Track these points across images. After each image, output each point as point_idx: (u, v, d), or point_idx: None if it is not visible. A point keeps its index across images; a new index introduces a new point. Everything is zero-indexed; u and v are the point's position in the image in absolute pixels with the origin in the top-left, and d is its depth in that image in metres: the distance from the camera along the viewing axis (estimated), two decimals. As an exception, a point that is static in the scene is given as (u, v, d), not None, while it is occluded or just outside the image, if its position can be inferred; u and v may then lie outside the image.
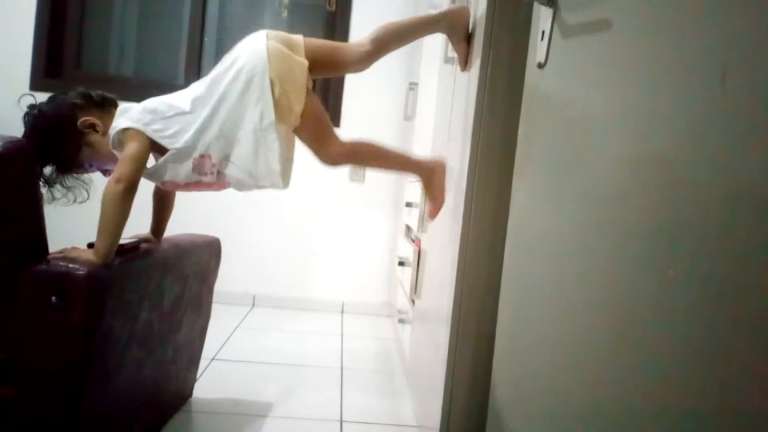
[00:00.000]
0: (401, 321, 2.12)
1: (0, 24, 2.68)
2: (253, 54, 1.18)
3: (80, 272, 0.95)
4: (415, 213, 1.94)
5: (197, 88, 1.24)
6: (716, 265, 0.45)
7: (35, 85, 2.69)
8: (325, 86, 2.91)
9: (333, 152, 1.24)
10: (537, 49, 0.91)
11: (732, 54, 0.46)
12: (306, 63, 1.21)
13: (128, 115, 1.20)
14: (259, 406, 1.62)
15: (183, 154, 1.18)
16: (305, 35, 1.28)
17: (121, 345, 1.07)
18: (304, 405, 1.66)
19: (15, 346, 0.95)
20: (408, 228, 2.25)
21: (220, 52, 3.02)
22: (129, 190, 1.10)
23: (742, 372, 0.41)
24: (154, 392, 1.34)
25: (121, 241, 1.12)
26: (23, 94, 1.26)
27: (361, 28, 2.80)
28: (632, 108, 0.61)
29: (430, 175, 1.31)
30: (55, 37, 2.75)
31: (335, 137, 1.26)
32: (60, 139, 1.17)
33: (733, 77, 0.45)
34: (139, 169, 1.14)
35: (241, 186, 1.25)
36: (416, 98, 2.46)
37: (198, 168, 1.20)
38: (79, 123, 1.18)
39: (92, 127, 1.19)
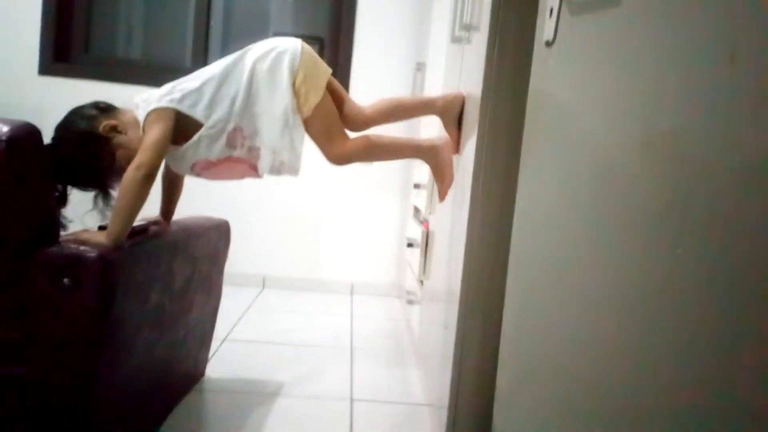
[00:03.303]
0: (410, 302, 2.13)
1: (7, 9, 2.68)
2: (288, 43, 1.27)
3: (92, 254, 0.96)
4: (423, 194, 1.94)
5: (222, 61, 1.26)
6: (727, 244, 0.44)
7: (44, 70, 2.70)
8: (332, 68, 2.89)
9: (339, 152, 1.29)
10: (545, 27, 0.90)
11: (741, 31, 0.45)
12: (330, 70, 1.33)
13: (154, 96, 1.19)
14: (271, 385, 1.64)
15: (218, 126, 1.20)
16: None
17: (133, 326, 1.09)
18: (315, 384, 1.68)
19: (29, 327, 0.97)
20: (416, 209, 2.25)
21: (226, 35, 3.01)
22: (148, 178, 1.11)
23: (754, 351, 0.41)
24: (166, 372, 1.37)
25: None
26: None
27: (367, 10, 2.77)
28: (641, 86, 0.60)
29: (436, 157, 1.32)
30: (62, 22, 2.75)
31: (343, 139, 1.30)
32: (93, 154, 1.17)
33: (743, 55, 0.44)
34: (159, 156, 1.14)
35: (266, 164, 1.26)
36: (424, 79, 2.44)
37: (230, 141, 1.22)
38: (101, 129, 1.17)
39: (114, 129, 1.19)
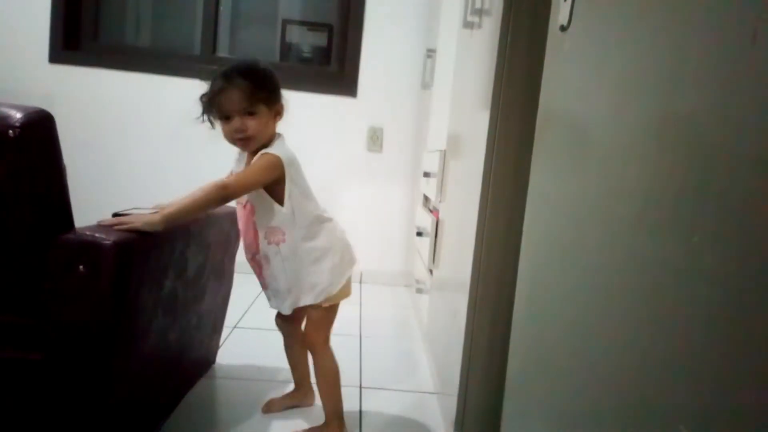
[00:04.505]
0: (419, 290, 2.13)
1: (17, -3, 2.68)
2: (348, 244, 1.42)
3: (107, 241, 0.97)
4: (433, 183, 1.94)
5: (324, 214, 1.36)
6: (742, 231, 0.44)
7: (54, 58, 2.71)
8: (341, 55, 2.88)
9: (316, 342, 1.36)
10: (559, 11, 0.89)
11: (763, 11, 0.44)
12: (349, 293, 1.42)
13: (291, 154, 1.23)
14: (281, 372, 1.65)
15: (282, 218, 1.22)
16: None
17: (147, 312, 1.10)
18: (325, 371, 1.69)
19: (44, 313, 0.98)
20: (426, 198, 2.24)
21: (235, 22, 3.00)
22: (225, 200, 1.16)
23: (766, 337, 0.40)
24: (179, 358, 1.38)
25: (141, 211, 1.14)
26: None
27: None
28: (658, 69, 0.59)
29: (330, 425, 1.38)
30: (72, 10, 2.75)
31: (328, 338, 1.39)
32: (275, 89, 1.23)
33: (765, 35, 0.43)
34: (246, 191, 1.19)
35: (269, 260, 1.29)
36: (434, 65, 2.42)
37: (270, 234, 1.24)
38: (280, 105, 1.24)
39: (279, 115, 1.24)
